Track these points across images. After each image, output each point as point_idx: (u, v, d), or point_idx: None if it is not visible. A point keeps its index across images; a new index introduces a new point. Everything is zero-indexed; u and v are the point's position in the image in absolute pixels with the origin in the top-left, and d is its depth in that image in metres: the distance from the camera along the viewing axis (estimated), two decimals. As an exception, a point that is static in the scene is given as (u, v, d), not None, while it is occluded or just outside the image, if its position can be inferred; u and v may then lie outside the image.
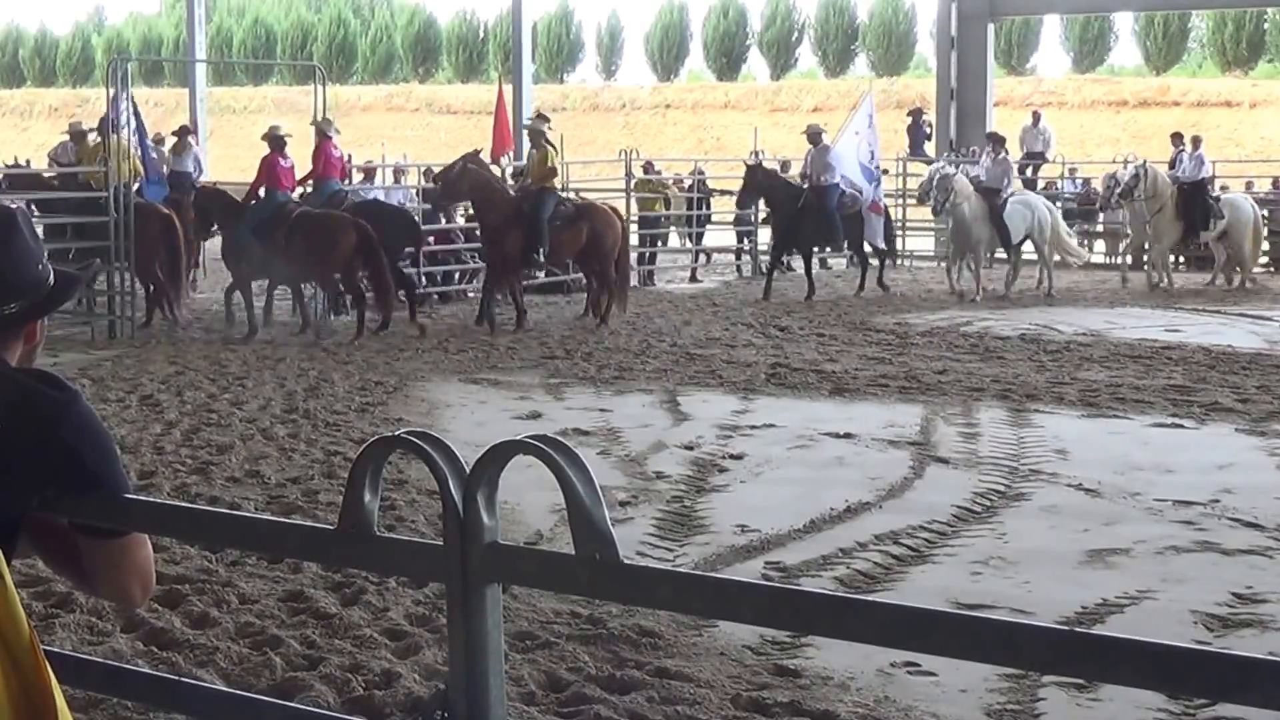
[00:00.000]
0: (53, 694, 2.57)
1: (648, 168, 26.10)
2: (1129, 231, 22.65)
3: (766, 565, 7.62)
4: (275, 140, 16.80)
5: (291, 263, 16.15)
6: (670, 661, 6.11)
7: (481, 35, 54.72)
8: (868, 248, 21.23)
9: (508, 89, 28.03)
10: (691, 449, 10.47)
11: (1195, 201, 20.97)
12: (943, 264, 21.51)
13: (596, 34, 54.56)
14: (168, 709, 4.51)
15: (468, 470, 2.68)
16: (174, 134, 21.76)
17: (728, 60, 52.23)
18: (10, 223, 2.83)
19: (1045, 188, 26.50)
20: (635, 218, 22.24)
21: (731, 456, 10.24)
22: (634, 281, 19.64)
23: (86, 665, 3.77)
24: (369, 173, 23.76)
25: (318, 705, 5.39)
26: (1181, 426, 11.31)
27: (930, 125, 29.49)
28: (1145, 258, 22.17)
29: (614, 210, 18.35)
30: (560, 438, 2.64)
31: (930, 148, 28.70)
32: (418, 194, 22.56)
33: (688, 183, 25.41)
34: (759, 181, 20.74)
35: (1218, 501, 8.87)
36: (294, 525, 4.25)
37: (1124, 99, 45.38)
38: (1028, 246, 21.08)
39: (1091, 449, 10.48)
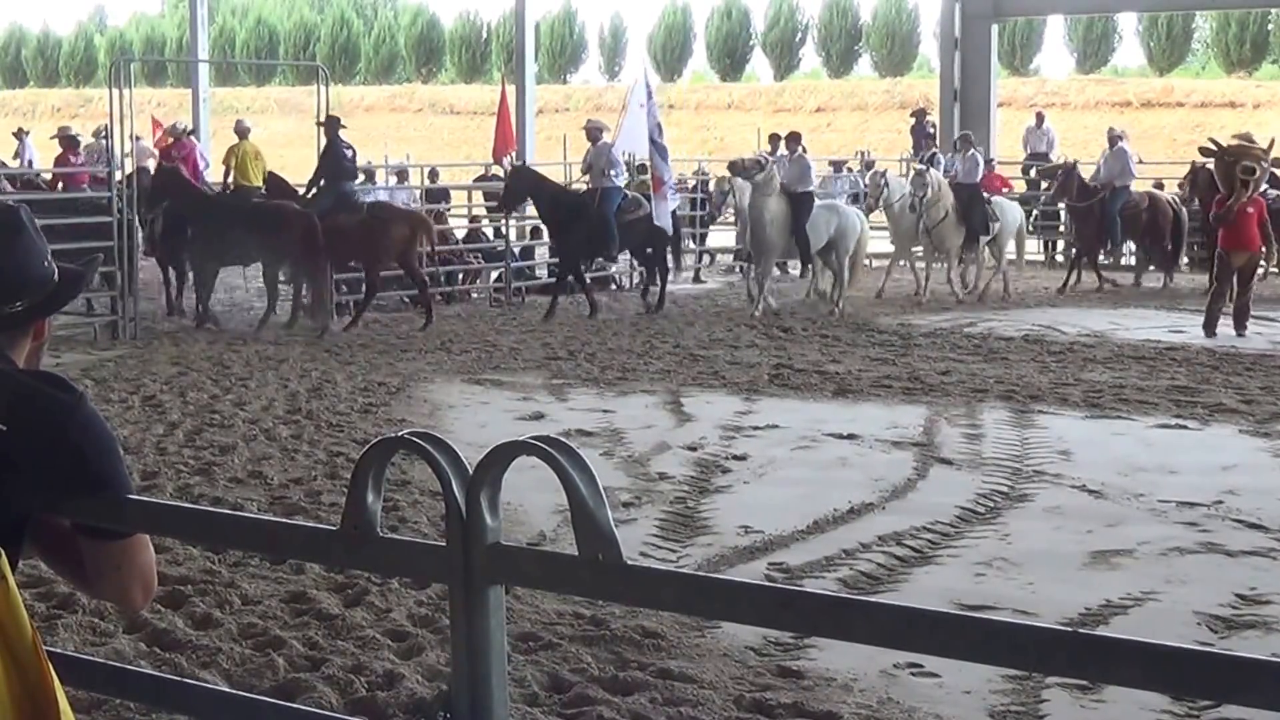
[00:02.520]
0: (55, 695, 2.57)
1: (644, 169, 26.04)
2: (894, 241, 20.89)
3: (770, 566, 7.62)
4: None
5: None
6: (673, 662, 6.10)
7: (484, 36, 54.72)
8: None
9: (511, 89, 28.02)
10: (695, 450, 10.46)
11: (974, 206, 20.07)
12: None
13: (599, 34, 54.60)
14: (170, 710, 4.50)
15: (470, 471, 2.68)
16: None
17: (731, 61, 52.24)
18: (15, 221, 2.83)
19: (1049, 188, 26.47)
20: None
21: (735, 457, 10.23)
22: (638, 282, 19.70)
23: (89, 666, 3.77)
24: (370, 174, 23.77)
25: (320, 706, 5.38)
26: (1185, 428, 11.30)
27: (934, 126, 29.47)
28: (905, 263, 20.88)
29: None
30: (563, 438, 2.64)
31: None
32: (421, 195, 22.60)
33: (691, 183, 25.39)
34: (524, 185, 18.71)
35: (1221, 503, 8.86)
36: (297, 526, 4.24)
37: (1127, 100, 45.34)
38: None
39: (1095, 450, 10.47)
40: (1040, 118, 28.74)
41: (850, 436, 10.92)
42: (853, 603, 2.63)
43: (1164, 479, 9.57)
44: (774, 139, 23.10)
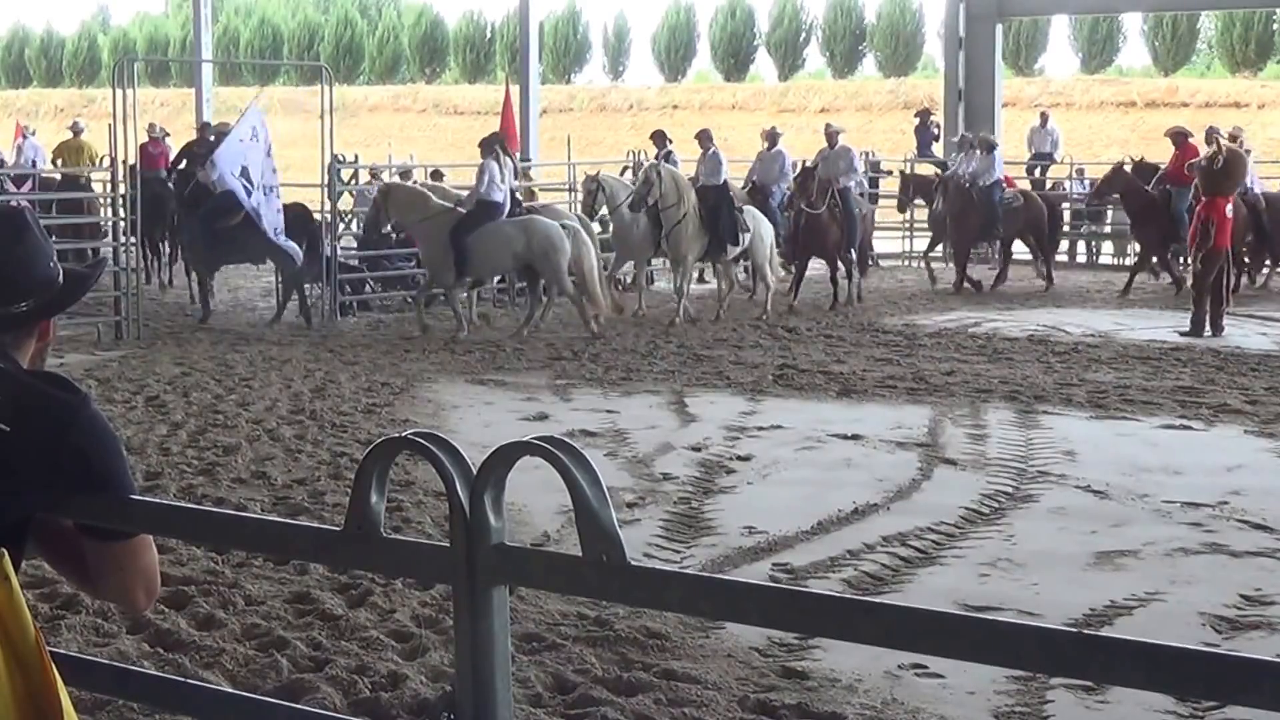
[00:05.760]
0: (59, 695, 2.57)
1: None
2: (620, 248, 18.76)
3: (774, 567, 7.62)
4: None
5: None
6: (677, 663, 6.10)
7: (489, 36, 54.67)
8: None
9: (515, 89, 28.02)
10: (699, 450, 10.46)
11: (720, 210, 17.98)
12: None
13: (604, 35, 54.59)
14: (173, 711, 4.50)
15: (474, 471, 2.68)
16: None
17: (735, 61, 52.18)
18: (20, 222, 2.84)
19: (1052, 188, 26.45)
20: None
21: (739, 458, 10.23)
22: (643, 282, 19.63)
23: (92, 666, 3.77)
24: (375, 174, 23.76)
25: (324, 707, 5.38)
26: (1190, 428, 11.29)
27: (938, 126, 29.45)
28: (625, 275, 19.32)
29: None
30: (567, 439, 2.63)
31: (938, 148, 28.66)
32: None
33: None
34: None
35: (1226, 503, 8.86)
36: (300, 526, 4.24)
37: (1132, 100, 45.28)
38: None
39: (1100, 450, 10.46)
40: (1044, 118, 28.69)
41: (855, 437, 10.91)
42: (857, 603, 2.63)
43: (1169, 480, 9.56)
44: (657, 137, 21.43)
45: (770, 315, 17.78)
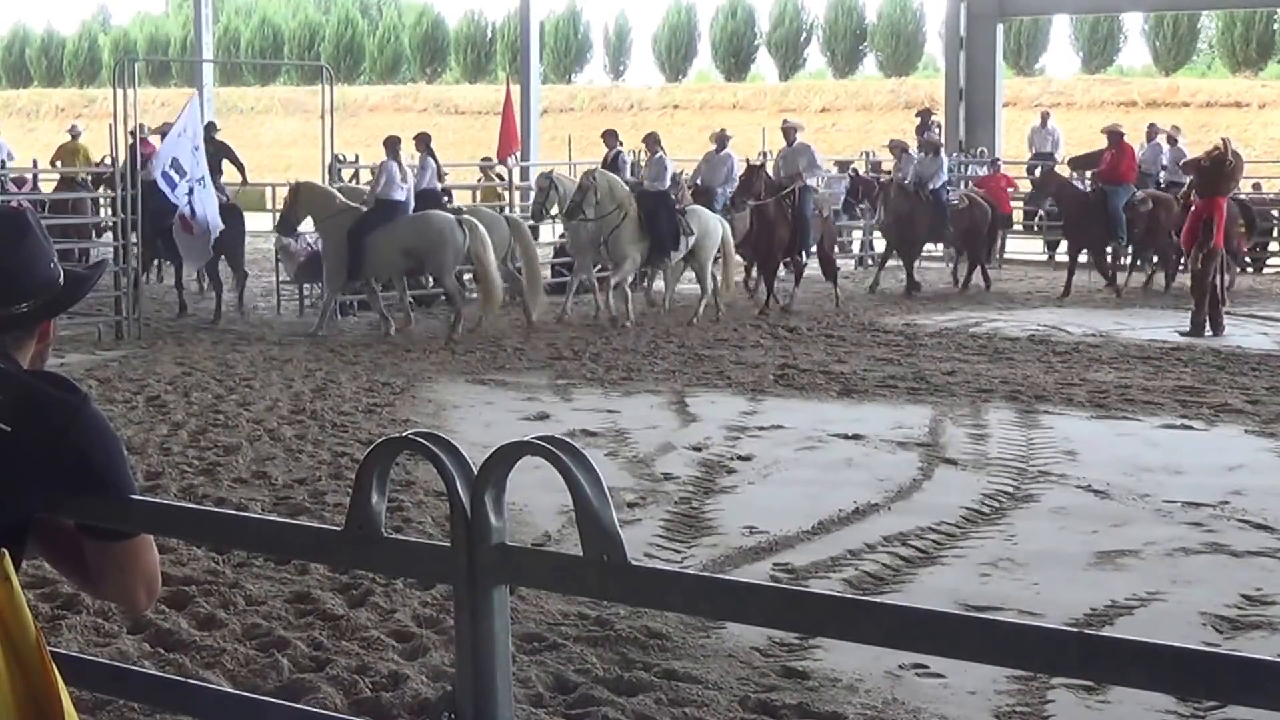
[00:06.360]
0: (59, 695, 2.57)
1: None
2: (573, 250, 18.49)
3: (775, 567, 7.62)
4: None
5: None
6: (678, 663, 6.10)
7: (489, 35, 54.64)
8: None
9: (515, 89, 28.02)
10: (699, 450, 10.46)
11: (659, 214, 17.57)
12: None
13: (604, 34, 54.57)
14: (174, 711, 4.50)
15: (475, 471, 2.67)
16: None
17: (736, 61, 52.15)
18: (21, 223, 2.84)
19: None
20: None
21: (740, 458, 10.23)
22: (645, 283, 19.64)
23: (93, 666, 3.77)
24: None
25: (325, 707, 5.38)
26: (1191, 428, 11.29)
27: (939, 126, 29.44)
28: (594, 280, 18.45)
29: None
30: (568, 439, 2.63)
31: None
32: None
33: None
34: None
35: (1227, 503, 8.86)
36: (301, 526, 4.24)
37: (1133, 99, 45.22)
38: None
39: (1100, 450, 10.46)
40: (1045, 117, 28.72)
41: (855, 437, 10.91)
42: (858, 603, 2.62)
43: (1169, 479, 9.56)
44: (608, 136, 20.82)
45: (699, 319, 17.45)
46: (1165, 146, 22.96)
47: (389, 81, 55.03)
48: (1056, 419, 11.60)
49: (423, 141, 19.10)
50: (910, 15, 50.20)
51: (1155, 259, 21.68)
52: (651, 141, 18.80)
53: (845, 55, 50.88)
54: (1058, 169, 22.81)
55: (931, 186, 20.75)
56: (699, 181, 19.77)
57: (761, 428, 11.28)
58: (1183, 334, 16.22)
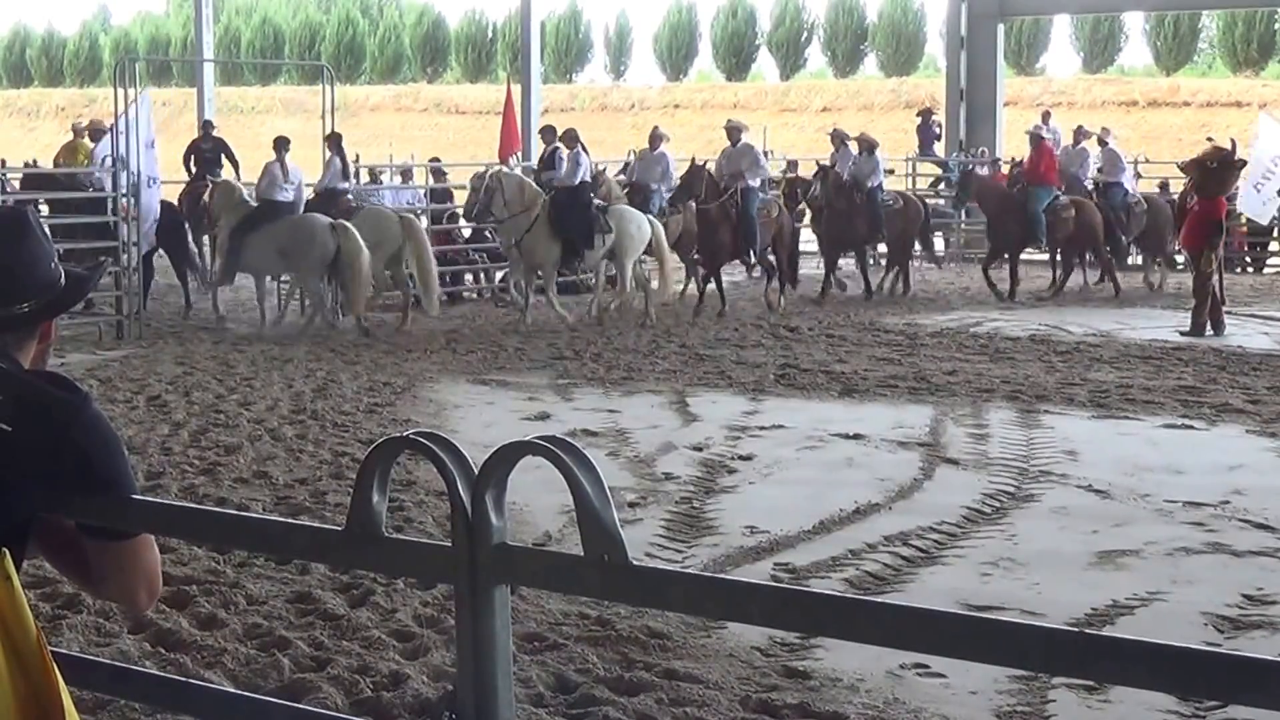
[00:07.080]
0: (60, 695, 2.57)
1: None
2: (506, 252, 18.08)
3: (775, 566, 7.62)
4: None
5: None
6: (679, 663, 6.10)
7: (490, 35, 54.65)
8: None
9: (516, 89, 28.00)
10: (700, 450, 10.46)
11: (572, 211, 17.00)
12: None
13: (605, 34, 54.57)
14: (175, 711, 4.50)
15: (476, 471, 2.67)
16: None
17: (737, 60, 52.15)
18: (22, 223, 2.84)
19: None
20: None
21: (740, 457, 10.23)
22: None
23: (94, 666, 3.77)
24: (375, 174, 23.78)
25: (325, 707, 5.38)
26: (1192, 428, 11.29)
27: (940, 125, 29.45)
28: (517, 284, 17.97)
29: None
30: (569, 439, 2.63)
31: (940, 148, 28.67)
32: (426, 194, 22.59)
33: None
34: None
35: (1228, 503, 8.85)
36: (302, 526, 4.24)
37: (1134, 99, 45.25)
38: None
39: (1101, 450, 10.46)
40: (1046, 117, 28.69)
41: (856, 436, 10.91)
42: (859, 603, 2.62)
43: (1170, 479, 9.56)
44: (546, 133, 19.61)
45: (606, 317, 17.27)
46: (1094, 149, 22.77)
47: (389, 81, 55.04)
48: (1057, 419, 11.59)
49: (334, 142, 19.00)
50: (911, 15, 50.21)
51: (1086, 261, 21.36)
52: (569, 138, 18.03)
53: (846, 55, 50.89)
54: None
55: (869, 185, 20.26)
56: (634, 180, 19.29)
57: (762, 427, 11.28)
58: (1184, 334, 16.22)
